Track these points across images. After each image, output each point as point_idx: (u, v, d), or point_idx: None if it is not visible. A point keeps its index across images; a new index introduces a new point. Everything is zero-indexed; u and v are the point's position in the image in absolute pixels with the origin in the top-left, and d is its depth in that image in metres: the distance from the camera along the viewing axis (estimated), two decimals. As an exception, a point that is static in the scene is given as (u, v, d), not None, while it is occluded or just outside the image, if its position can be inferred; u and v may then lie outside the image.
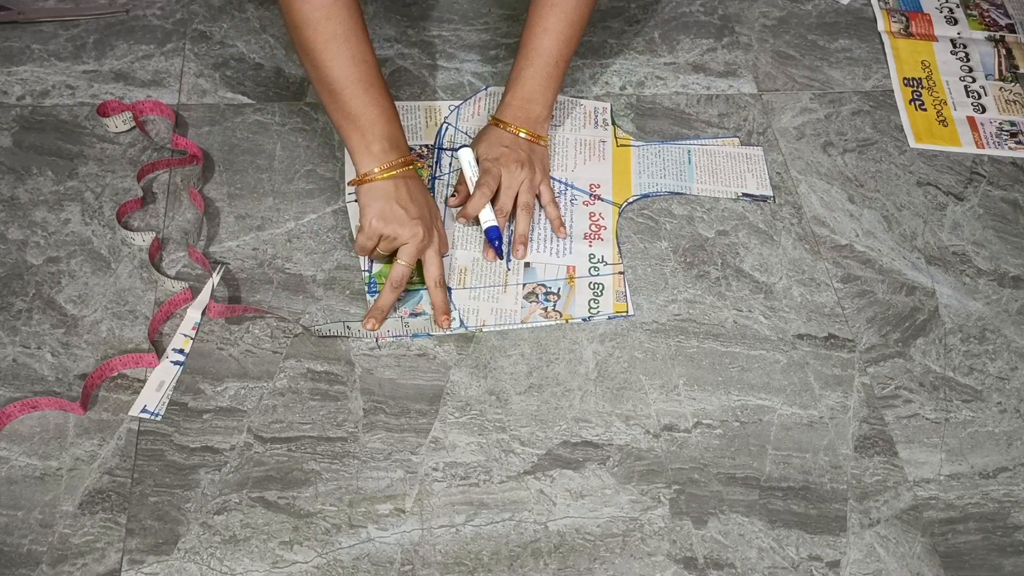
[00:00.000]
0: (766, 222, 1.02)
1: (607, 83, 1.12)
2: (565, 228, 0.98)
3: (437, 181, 1.00)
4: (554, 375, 0.89)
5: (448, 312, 0.90)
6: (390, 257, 0.91)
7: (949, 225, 1.04)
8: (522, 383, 0.88)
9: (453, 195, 0.99)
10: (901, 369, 0.92)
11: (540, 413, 0.86)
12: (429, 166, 1.01)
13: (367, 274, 0.93)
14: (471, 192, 0.95)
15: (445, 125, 1.05)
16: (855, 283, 0.98)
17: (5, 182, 0.97)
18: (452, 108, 1.07)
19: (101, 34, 1.11)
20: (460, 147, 0.98)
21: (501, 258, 0.95)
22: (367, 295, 0.91)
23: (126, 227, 0.94)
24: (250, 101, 1.06)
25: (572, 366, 0.89)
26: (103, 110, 1.01)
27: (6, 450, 0.80)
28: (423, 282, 0.92)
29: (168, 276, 0.90)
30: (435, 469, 0.82)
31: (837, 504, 0.83)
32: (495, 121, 0.98)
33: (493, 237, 0.94)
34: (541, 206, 0.99)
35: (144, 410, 0.83)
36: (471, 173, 0.97)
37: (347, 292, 0.92)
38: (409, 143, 0.99)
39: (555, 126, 1.07)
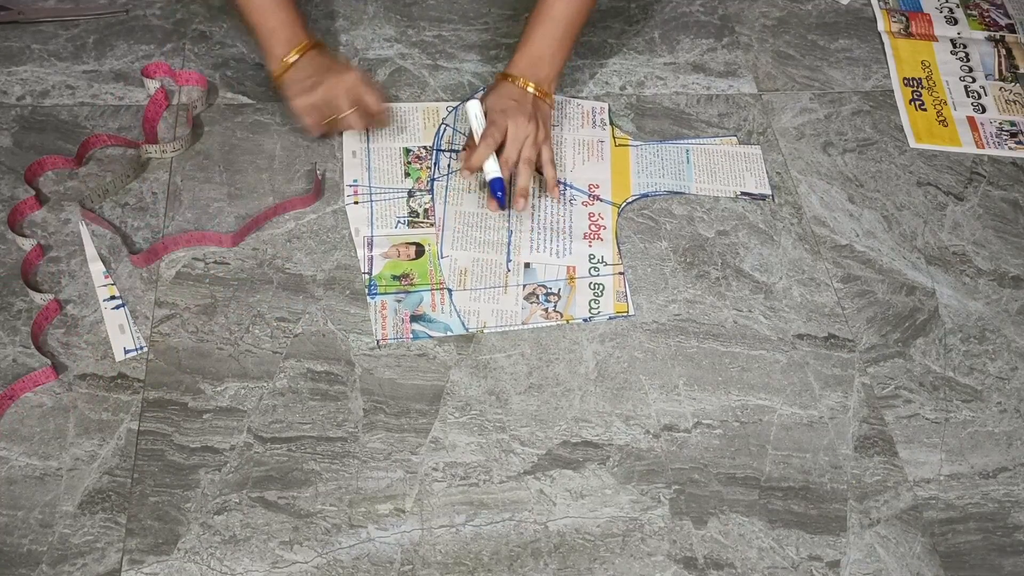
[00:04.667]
0: (766, 222, 1.02)
1: (607, 83, 1.12)
2: (559, 189, 1.00)
3: (436, 183, 1.00)
4: (554, 375, 0.89)
5: (384, 110, 1.00)
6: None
7: (949, 225, 1.04)
8: (522, 383, 0.88)
9: (464, 149, 1.01)
10: (901, 369, 0.92)
11: (540, 413, 0.86)
12: (427, 167, 1.01)
13: (367, 276, 0.93)
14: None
15: (444, 126, 1.05)
16: (855, 283, 0.98)
17: (5, 182, 0.97)
18: (450, 109, 1.07)
19: (101, 34, 1.11)
20: (468, 99, 1.00)
21: (503, 208, 0.97)
22: (367, 297, 0.91)
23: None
24: (250, 101, 1.06)
25: (572, 366, 0.89)
26: (146, 72, 1.05)
27: (6, 450, 0.80)
28: (425, 282, 0.92)
29: (35, 291, 0.88)
30: (435, 469, 0.82)
31: (837, 504, 0.83)
32: (503, 75, 1.00)
33: (496, 188, 0.95)
34: (540, 165, 1.00)
35: (127, 351, 0.86)
36: (477, 126, 0.98)
37: (347, 292, 0.92)
38: (407, 144, 1.03)
39: (553, 126, 1.06)
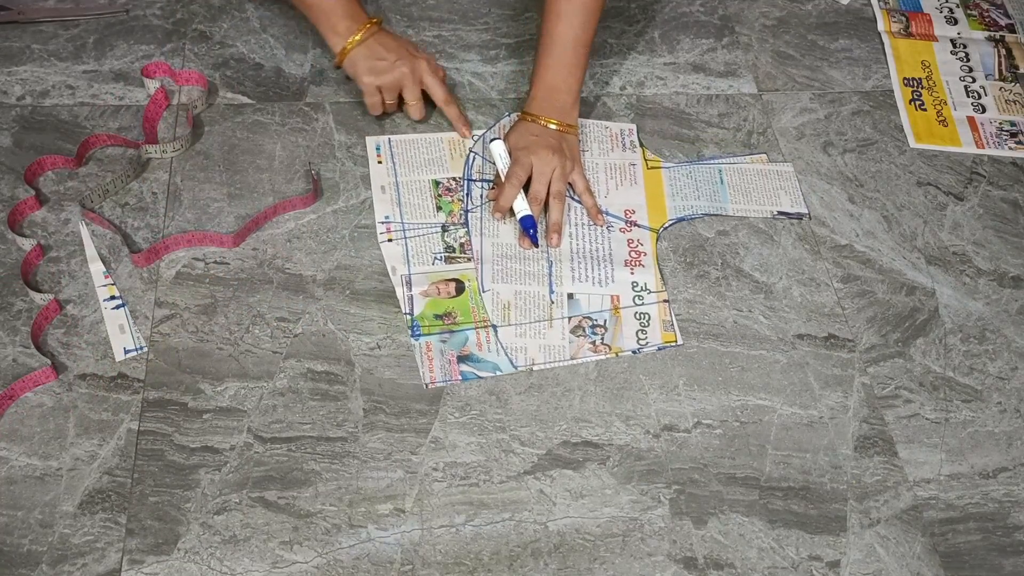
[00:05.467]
0: (766, 222, 1.02)
1: (607, 83, 1.12)
2: (603, 216, 0.98)
3: (470, 215, 0.98)
4: (554, 375, 0.89)
5: (467, 122, 1.04)
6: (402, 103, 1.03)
7: (949, 225, 1.04)
8: (522, 383, 0.88)
9: (491, 188, 1.00)
10: (901, 369, 0.92)
11: (540, 413, 0.86)
12: (459, 200, 0.99)
13: (409, 317, 0.90)
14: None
15: (472, 155, 1.03)
16: (855, 283, 0.98)
17: (5, 182, 0.97)
18: (476, 138, 1.04)
19: (101, 34, 1.11)
20: (492, 140, 0.99)
21: (536, 246, 0.95)
22: (411, 338, 0.89)
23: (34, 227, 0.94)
24: (250, 101, 1.06)
25: (572, 366, 0.89)
26: (146, 71, 1.05)
27: (6, 450, 0.80)
28: (468, 320, 0.90)
29: (35, 291, 0.88)
30: (435, 469, 0.82)
31: (837, 504, 0.83)
32: (523, 115, 0.99)
33: (528, 226, 0.94)
34: (576, 195, 0.99)
35: (127, 351, 0.86)
36: (502, 165, 0.97)
37: (347, 292, 0.92)
38: (436, 176, 1.01)
39: (583, 151, 1.04)
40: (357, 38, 0.98)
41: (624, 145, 1.06)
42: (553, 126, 0.98)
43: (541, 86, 0.99)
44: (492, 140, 1.00)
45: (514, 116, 1.06)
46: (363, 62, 0.98)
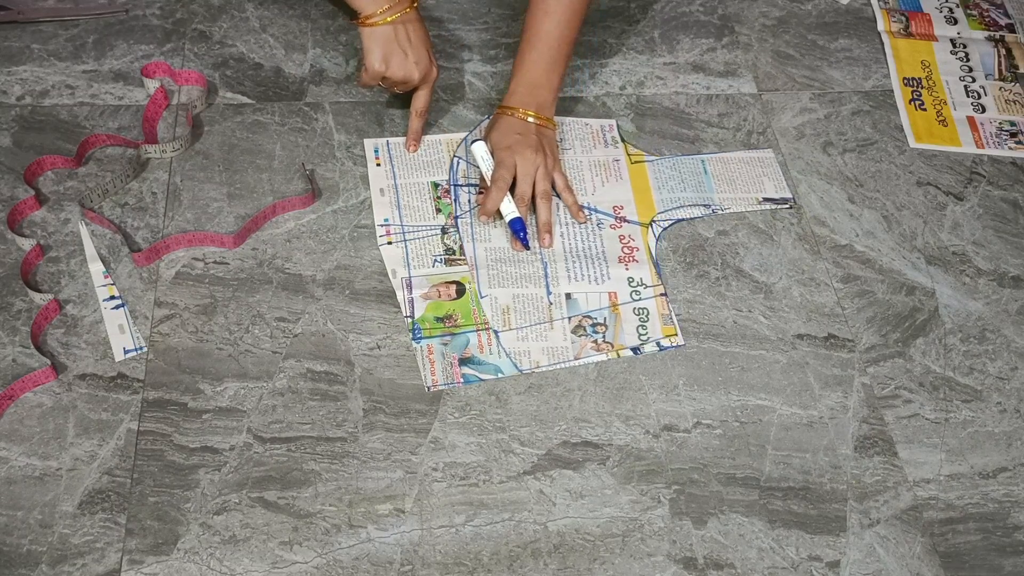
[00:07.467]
0: (766, 222, 1.02)
1: (607, 83, 1.12)
2: (584, 213, 0.98)
3: (460, 220, 0.97)
4: (554, 375, 0.89)
5: (418, 140, 1.02)
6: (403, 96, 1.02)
7: (949, 225, 1.04)
8: (522, 383, 0.88)
9: (479, 192, 0.99)
10: (901, 369, 0.92)
11: (540, 413, 0.86)
12: (449, 204, 0.99)
13: (410, 320, 0.90)
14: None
15: (456, 160, 1.02)
16: (855, 283, 0.98)
17: (5, 182, 0.97)
18: (458, 143, 1.04)
19: (101, 34, 1.11)
20: (473, 141, 0.99)
21: (527, 248, 0.95)
22: (412, 341, 0.89)
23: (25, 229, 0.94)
24: (250, 101, 1.06)
25: (572, 366, 0.89)
26: (146, 71, 1.05)
27: (6, 450, 0.80)
28: (469, 323, 0.90)
29: (35, 291, 0.88)
30: (435, 469, 0.82)
31: (837, 504, 0.83)
32: (503, 109, 0.99)
33: (517, 228, 0.94)
34: (556, 193, 0.99)
35: (126, 351, 0.86)
36: (486, 168, 0.97)
37: (347, 292, 0.92)
38: (435, 179, 1.00)
39: (565, 149, 1.04)
40: (391, 19, 0.93)
41: (606, 141, 1.06)
42: (532, 119, 0.97)
43: (522, 80, 0.99)
44: (473, 142, 0.99)
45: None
46: (381, 46, 0.94)
